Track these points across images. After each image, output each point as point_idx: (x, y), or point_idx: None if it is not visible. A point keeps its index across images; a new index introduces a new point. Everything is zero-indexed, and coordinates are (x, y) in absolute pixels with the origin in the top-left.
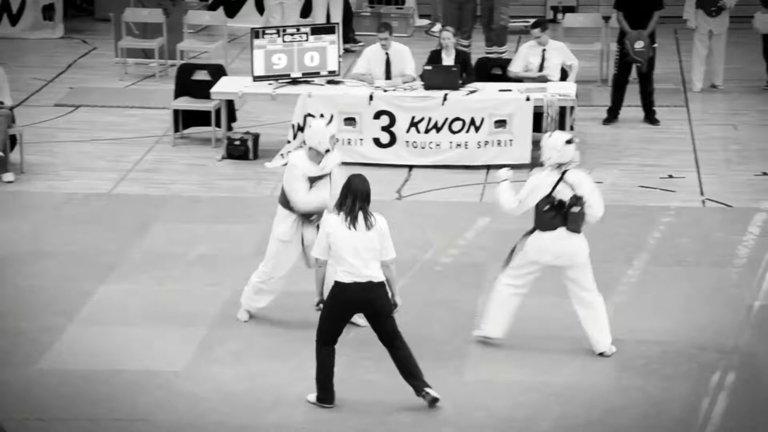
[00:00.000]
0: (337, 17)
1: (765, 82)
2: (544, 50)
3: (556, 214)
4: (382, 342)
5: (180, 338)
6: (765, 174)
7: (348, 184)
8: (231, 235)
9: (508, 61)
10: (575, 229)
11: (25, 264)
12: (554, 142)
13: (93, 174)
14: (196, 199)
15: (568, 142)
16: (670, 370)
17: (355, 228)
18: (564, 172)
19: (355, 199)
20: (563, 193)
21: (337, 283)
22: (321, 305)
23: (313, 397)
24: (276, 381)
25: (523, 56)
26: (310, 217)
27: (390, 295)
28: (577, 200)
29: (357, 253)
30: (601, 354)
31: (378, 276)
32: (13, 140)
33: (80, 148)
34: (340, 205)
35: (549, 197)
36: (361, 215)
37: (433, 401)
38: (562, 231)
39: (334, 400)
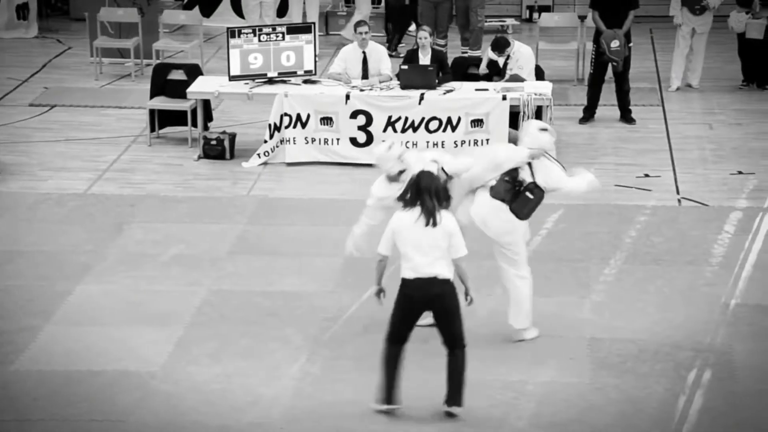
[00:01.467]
0: (313, 16)
1: (740, 82)
2: (508, 56)
3: (510, 188)
4: (444, 344)
5: (157, 338)
6: (740, 173)
7: (416, 180)
8: (207, 235)
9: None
10: (517, 211)
11: (1, 264)
12: (529, 127)
13: (68, 174)
14: (173, 198)
15: (543, 129)
16: (646, 369)
17: (421, 224)
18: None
19: (421, 195)
20: (525, 175)
21: (402, 280)
22: (380, 295)
23: (378, 405)
24: (253, 381)
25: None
26: None
27: (465, 291)
28: (534, 187)
29: (421, 250)
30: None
31: (443, 273)
32: None
33: (55, 148)
34: (407, 201)
35: (514, 170)
36: (427, 212)
37: (448, 415)
38: (504, 206)
39: (395, 400)
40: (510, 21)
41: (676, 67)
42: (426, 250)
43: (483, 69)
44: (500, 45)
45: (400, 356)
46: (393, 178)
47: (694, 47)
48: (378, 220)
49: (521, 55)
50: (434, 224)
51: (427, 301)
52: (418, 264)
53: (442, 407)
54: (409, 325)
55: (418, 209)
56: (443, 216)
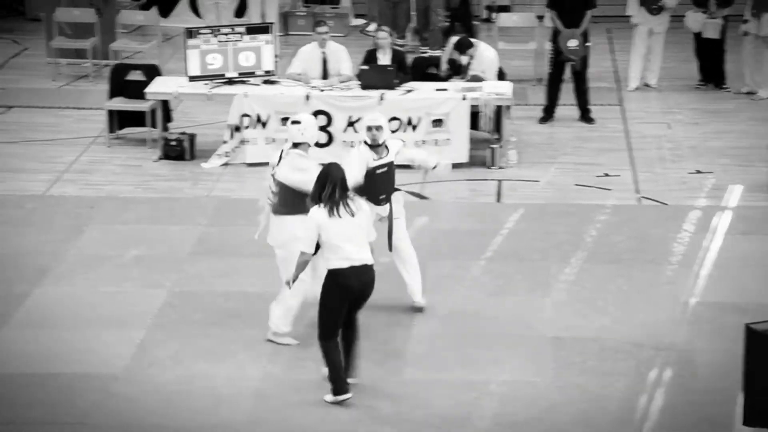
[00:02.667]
0: (272, 16)
1: (697, 81)
2: (471, 56)
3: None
4: (346, 325)
5: (117, 341)
6: (698, 172)
7: (326, 173)
8: (167, 236)
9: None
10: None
11: None
12: (385, 119)
13: (26, 175)
14: (132, 200)
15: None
16: (607, 367)
17: (340, 215)
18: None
19: (335, 187)
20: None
21: (332, 272)
22: (290, 284)
23: (330, 396)
24: (216, 382)
25: (448, 55)
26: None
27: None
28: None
29: (350, 239)
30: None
31: (370, 259)
32: None
33: (12, 149)
34: (320, 197)
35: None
36: (343, 202)
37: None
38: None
39: (349, 389)
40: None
41: (634, 66)
42: (353, 238)
43: (444, 67)
44: (463, 45)
45: (339, 348)
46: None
47: (652, 47)
48: None
49: (485, 58)
50: (354, 212)
51: (360, 288)
52: (348, 252)
53: (356, 398)
54: (341, 316)
55: (335, 201)
56: (359, 202)
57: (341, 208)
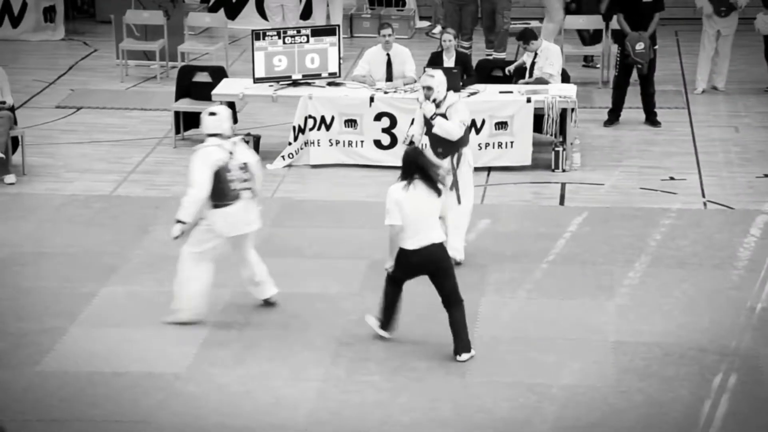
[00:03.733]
0: (337, 19)
1: (766, 85)
2: (535, 54)
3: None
4: (442, 303)
5: (181, 340)
6: (766, 176)
7: (406, 157)
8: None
9: (508, 63)
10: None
11: (27, 266)
12: (441, 77)
13: (94, 176)
14: None
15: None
16: (671, 372)
17: (420, 195)
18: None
19: (415, 169)
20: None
21: (402, 250)
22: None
23: (374, 320)
24: (277, 383)
25: (521, 59)
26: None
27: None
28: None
29: (423, 219)
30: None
31: (440, 237)
32: (15, 142)
33: (81, 149)
34: (405, 177)
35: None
36: (424, 183)
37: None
38: None
39: (392, 331)
40: (535, 23)
41: (702, 69)
42: (427, 218)
43: (512, 68)
44: (526, 36)
45: (399, 293)
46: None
47: (720, 50)
48: None
49: (550, 52)
50: (439, 194)
51: (428, 265)
52: (418, 232)
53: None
54: (410, 278)
55: (419, 182)
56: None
57: (420, 188)
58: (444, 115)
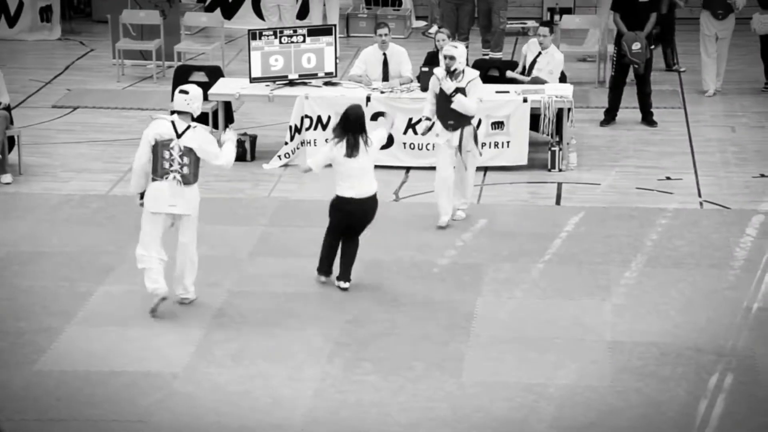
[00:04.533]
0: (333, 18)
1: (763, 84)
2: (540, 53)
3: None
4: (348, 236)
5: (178, 340)
6: (762, 176)
7: (344, 114)
8: (228, 237)
9: (505, 63)
10: None
11: (24, 265)
12: (463, 50)
13: (90, 175)
14: None
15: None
16: (667, 372)
17: (352, 156)
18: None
19: (347, 127)
20: None
21: (338, 197)
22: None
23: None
24: (274, 382)
25: (524, 50)
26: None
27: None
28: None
29: (353, 175)
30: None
31: (372, 190)
32: (11, 141)
33: (78, 149)
34: (338, 135)
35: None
36: (357, 143)
37: (342, 289)
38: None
39: (328, 275)
40: (531, 23)
41: (708, 70)
42: (362, 173)
43: (517, 71)
44: (551, 27)
45: (335, 243)
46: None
47: (718, 51)
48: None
49: (553, 59)
50: (365, 152)
51: (361, 215)
52: (353, 185)
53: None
54: (341, 228)
55: (348, 141)
56: (370, 139)
57: (354, 148)
58: (463, 90)
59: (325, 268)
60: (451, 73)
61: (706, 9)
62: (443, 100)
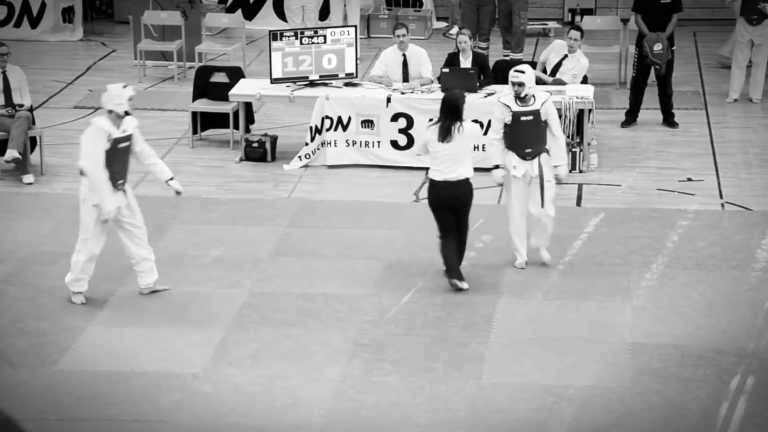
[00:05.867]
0: (354, 19)
1: None
2: (566, 56)
3: None
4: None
5: (198, 340)
6: None
7: (442, 99)
8: (248, 237)
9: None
10: None
11: (45, 265)
12: (531, 73)
13: None
14: (214, 201)
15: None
16: (688, 374)
17: (445, 140)
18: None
19: (442, 112)
20: None
21: (430, 180)
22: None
23: (450, 280)
24: (293, 383)
25: (548, 51)
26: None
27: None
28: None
29: (446, 159)
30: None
31: (466, 173)
32: (32, 142)
33: None
34: (437, 119)
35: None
36: (450, 128)
37: (457, 289)
38: None
39: (458, 278)
40: (552, 24)
41: (736, 79)
42: (453, 158)
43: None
44: (582, 32)
45: (449, 244)
46: (115, 120)
47: (754, 59)
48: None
49: (579, 63)
50: (450, 140)
51: (453, 198)
52: (443, 168)
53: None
54: (443, 219)
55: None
56: (464, 127)
57: (448, 133)
58: (537, 113)
59: (454, 272)
60: (522, 99)
61: (742, 15)
62: (516, 129)
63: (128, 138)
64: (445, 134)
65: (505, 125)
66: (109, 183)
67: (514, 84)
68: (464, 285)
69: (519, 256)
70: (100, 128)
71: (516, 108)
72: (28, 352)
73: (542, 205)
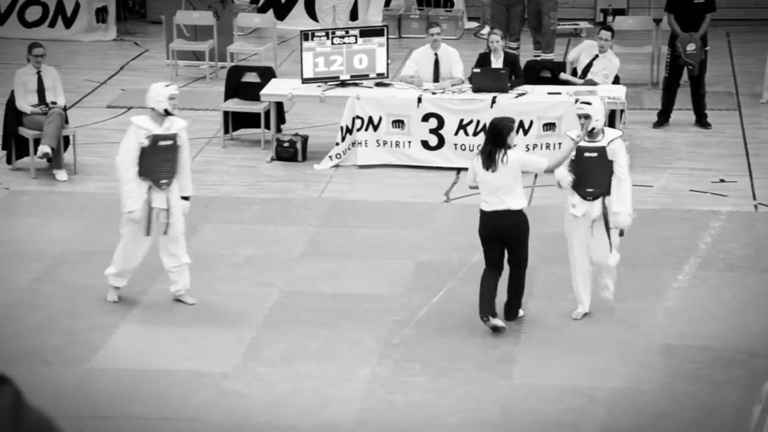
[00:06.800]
0: (376, 15)
1: None
2: (597, 56)
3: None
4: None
5: (228, 339)
6: None
7: (489, 124)
8: (279, 237)
9: (557, 64)
10: None
11: (78, 263)
12: (599, 105)
13: None
14: (246, 200)
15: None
16: (720, 376)
17: (489, 169)
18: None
19: (486, 138)
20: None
21: (480, 210)
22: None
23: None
24: (323, 383)
25: (577, 51)
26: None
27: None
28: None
29: (493, 190)
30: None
31: (514, 205)
32: (66, 141)
33: None
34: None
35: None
36: (493, 155)
37: (495, 329)
38: None
39: (489, 317)
40: (584, 24)
41: None
42: (497, 188)
43: (567, 75)
44: (613, 33)
45: (489, 277)
46: (156, 118)
47: None
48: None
49: (610, 63)
50: (500, 166)
51: (499, 229)
52: (489, 199)
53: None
54: (489, 249)
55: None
56: (509, 156)
57: (490, 161)
58: (603, 150)
59: (484, 308)
60: (590, 133)
61: None
62: (579, 165)
63: (172, 137)
64: (488, 162)
65: (571, 161)
66: (148, 181)
67: (579, 117)
68: (498, 322)
69: (579, 305)
70: (138, 126)
71: (581, 143)
72: (61, 350)
73: (610, 249)
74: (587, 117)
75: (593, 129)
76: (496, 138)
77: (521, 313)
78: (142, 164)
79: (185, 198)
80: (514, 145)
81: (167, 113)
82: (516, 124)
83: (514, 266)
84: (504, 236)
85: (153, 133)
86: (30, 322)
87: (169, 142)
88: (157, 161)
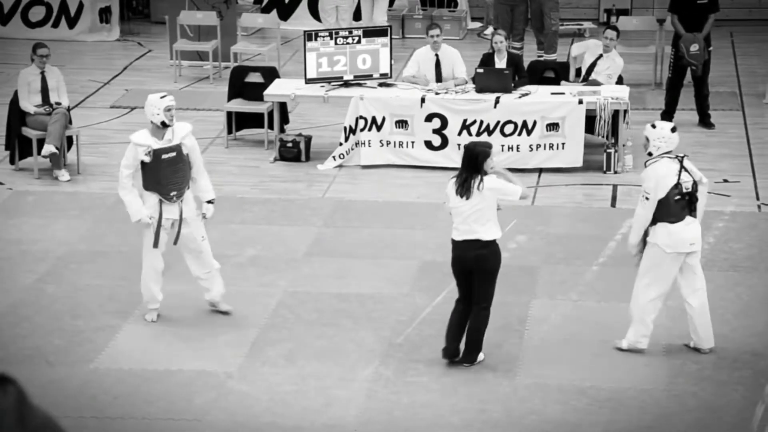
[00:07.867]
0: (381, 16)
1: None
2: (601, 55)
3: (685, 202)
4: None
5: (233, 339)
6: None
7: (464, 148)
8: (283, 237)
9: (560, 65)
10: (695, 215)
11: (81, 264)
12: (661, 131)
13: None
14: (249, 200)
15: (673, 130)
16: (724, 376)
17: (463, 196)
18: (682, 159)
19: (462, 164)
20: (687, 181)
21: (451, 241)
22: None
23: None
24: (327, 382)
25: (582, 48)
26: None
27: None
28: (697, 185)
29: (465, 218)
30: (698, 350)
31: (486, 235)
32: (69, 141)
33: None
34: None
35: (677, 186)
36: (468, 182)
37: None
38: (689, 218)
39: (448, 356)
40: (587, 24)
41: None
42: (468, 217)
43: (571, 75)
44: (618, 32)
45: (457, 312)
46: (156, 132)
47: None
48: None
49: (614, 63)
50: (473, 194)
51: (466, 260)
52: (460, 227)
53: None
54: (458, 281)
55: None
56: (485, 182)
57: (464, 188)
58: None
59: (447, 347)
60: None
61: None
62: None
63: (174, 148)
64: (461, 189)
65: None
66: (157, 195)
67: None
68: (456, 361)
69: (639, 345)
70: (135, 143)
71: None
72: (65, 350)
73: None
74: (646, 139)
75: (650, 152)
76: (472, 164)
77: (481, 357)
78: (149, 179)
79: (210, 201)
80: (492, 171)
81: (164, 125)
82: (492, 150)
83: (476, 303)
84: (472, 268)
85: (153, 149)
86: (34, 323)
87: (173, 155)
88: (164, 175)
